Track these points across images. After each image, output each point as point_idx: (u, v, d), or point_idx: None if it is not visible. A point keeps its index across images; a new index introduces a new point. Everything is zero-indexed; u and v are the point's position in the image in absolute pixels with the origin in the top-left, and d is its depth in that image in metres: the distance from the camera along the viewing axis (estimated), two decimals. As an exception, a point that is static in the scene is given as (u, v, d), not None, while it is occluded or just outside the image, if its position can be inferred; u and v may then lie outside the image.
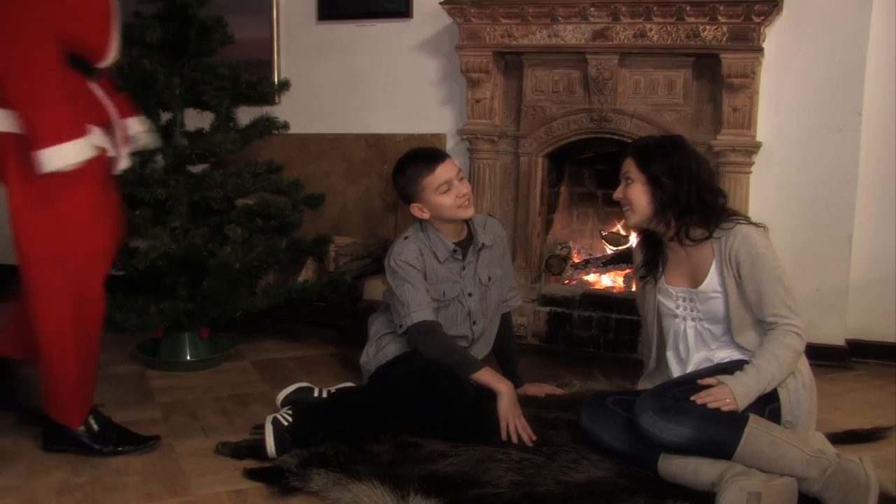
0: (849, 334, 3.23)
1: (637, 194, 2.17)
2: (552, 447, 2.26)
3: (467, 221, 2.55)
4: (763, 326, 2.12)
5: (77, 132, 2.03)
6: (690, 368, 2.22)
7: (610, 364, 3.13)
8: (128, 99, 2.39)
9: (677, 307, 2.24)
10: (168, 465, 2.25)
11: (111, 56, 2.21)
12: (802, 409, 2.09)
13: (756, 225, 2.17)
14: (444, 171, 2.43)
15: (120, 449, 2.29)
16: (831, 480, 1.89)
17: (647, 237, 2.29)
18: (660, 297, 2.27)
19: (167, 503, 2.04)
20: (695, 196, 2.13)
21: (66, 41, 2.06)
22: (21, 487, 2.10)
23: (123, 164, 2.28)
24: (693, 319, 2.22)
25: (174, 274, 2.93)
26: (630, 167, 2.18)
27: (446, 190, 2.43)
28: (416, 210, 2.48)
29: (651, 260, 2.30)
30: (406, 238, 2.51)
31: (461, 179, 2.47)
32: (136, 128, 2.36)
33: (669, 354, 2.28)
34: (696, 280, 2.20)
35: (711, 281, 2.17)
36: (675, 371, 2.26)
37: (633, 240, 3.48)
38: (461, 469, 2.12)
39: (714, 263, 2.16)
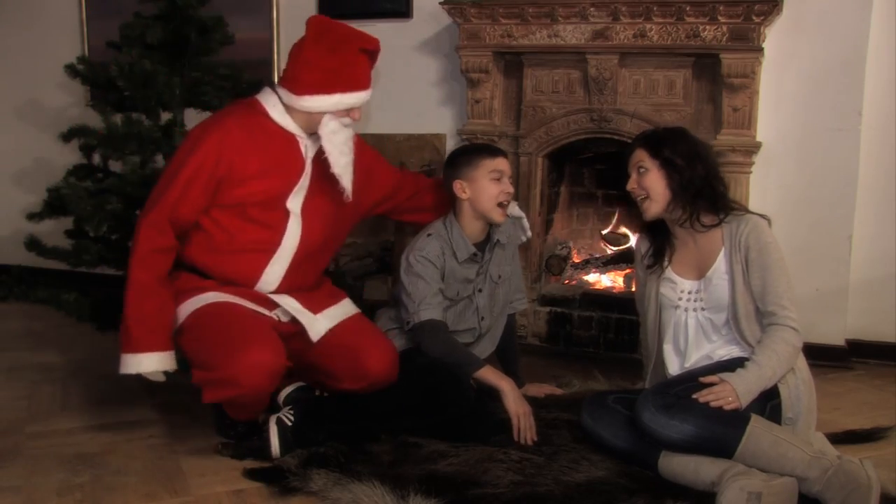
0: (849, 334, 3.23)
1: (653, 181, 2.18)
2: (552, 447, 2.26)
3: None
4: (762, 320, 2.12)
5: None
6: (689, 363, 2.21)
7: (610, 364, 3.13)
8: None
9: (679, 298, 2.24)
10: (168, 465, 2.26)
11: (268, 287, 2.40)
12: (803, 405, 2.10)
13: (761, 217, 2.19)
14: (503, 163, 2.52)
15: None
16: (832, 481, 1.88)
17: (654, 227, 2.30)
18: (661, 290, 2.28)
19: (167, 503, 2.04)
20: (704, 180, 2.16)
21: (210, 271, 2.36)
22: (21, 487, 2.10)
23: (318, 331, 2.42)
24: (695, 310, 2.22)
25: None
26: (642, 156, 2.20)
27: (497, 178, 2.47)
28: (458, 188, 2.49)
29: (658, 249, 2.30)
30: (430, 235, 2.52)
31: (510, 181, 2.54)
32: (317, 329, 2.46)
33: (667, 348, 2.27)
34: (702, 269, 2.21)
35: (719, 267, 2.18)
36: (673, 365, 2.26)
37: (634, 239, 3.48)
38: (461, 469, 2.12)
39: (723, 250, 2.18)
